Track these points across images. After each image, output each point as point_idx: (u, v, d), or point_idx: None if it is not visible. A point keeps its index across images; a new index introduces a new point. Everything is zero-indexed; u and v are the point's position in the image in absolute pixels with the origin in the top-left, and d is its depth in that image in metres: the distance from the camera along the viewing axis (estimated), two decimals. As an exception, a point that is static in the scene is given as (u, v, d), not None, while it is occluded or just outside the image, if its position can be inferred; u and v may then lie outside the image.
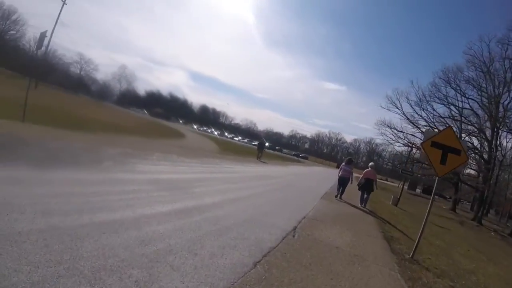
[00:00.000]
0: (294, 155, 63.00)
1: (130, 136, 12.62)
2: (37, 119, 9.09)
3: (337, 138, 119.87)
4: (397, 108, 31.01)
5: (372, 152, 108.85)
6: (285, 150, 65.96)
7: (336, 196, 10.48)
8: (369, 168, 10.52)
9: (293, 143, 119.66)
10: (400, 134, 31.12)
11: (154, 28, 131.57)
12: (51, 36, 13.27)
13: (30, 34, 38.24)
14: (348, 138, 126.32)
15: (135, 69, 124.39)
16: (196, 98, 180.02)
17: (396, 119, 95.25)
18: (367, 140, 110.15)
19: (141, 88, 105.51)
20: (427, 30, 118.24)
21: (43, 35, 9.82)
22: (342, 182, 10.36)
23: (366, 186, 10.21)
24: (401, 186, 21.46)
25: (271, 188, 9.02)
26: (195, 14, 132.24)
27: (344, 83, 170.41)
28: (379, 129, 32.05)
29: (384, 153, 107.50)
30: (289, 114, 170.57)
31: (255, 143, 67.06)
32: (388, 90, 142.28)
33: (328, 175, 26.24)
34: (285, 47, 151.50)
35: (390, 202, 15.34)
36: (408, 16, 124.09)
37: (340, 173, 10.39)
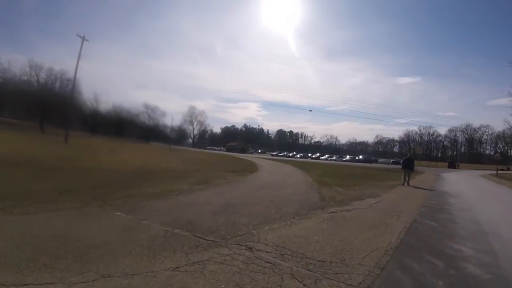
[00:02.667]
0: (393, 162, 52.50)
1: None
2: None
3: (429, 133, 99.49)
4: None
5: (471, 139, 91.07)
6: (380, 160, 55.59)
7: None
8: None
9: (380, 149, 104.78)
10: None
11: (220, 70, 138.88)
12: (75, 76, 11.72)
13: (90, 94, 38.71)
14: (441, 130, 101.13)
15: (211, 110, 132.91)
16: (272, 125, 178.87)
17: None
18: (463, 127, 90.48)
19: (218, 128, 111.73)
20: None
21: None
22: None
23: None
24: None
25: None
26: (254, 49, 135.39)
27: (418, 74, 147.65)
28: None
29: (485, 137, 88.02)
30: (369, 121, 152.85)
31: (348, 159, 58.05)
32: (465, 68, 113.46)
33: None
34: (347, 55, 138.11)
35: None
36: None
37: None
